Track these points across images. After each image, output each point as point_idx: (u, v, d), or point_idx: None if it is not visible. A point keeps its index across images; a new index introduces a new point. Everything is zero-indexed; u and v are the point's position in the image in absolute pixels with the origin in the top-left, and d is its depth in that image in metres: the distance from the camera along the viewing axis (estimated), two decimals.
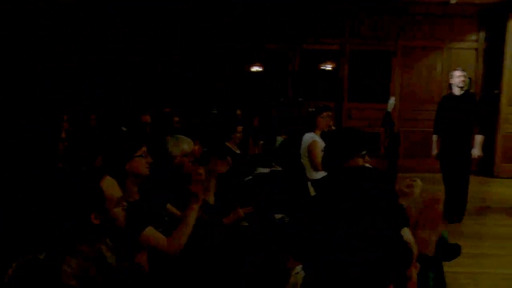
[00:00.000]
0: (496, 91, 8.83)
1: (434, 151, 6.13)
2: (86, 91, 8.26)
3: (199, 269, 2.70)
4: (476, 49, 9.19)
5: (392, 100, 7.63)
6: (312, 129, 5.25)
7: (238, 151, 5.42)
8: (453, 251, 3.72)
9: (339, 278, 2.05)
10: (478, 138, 5.82)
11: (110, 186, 2.02)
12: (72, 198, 1.81)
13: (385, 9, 8.80)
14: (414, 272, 1.94)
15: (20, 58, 7.71)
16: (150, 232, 2.48)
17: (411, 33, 9.07)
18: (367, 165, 4.03)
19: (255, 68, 9.10)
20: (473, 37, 9.17)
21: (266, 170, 5.43)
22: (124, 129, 5.82)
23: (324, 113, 5.33)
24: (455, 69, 6.02)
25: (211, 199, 3.35)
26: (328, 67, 9.19)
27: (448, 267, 4.10)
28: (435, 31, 9.10)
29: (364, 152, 3.07)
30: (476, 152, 5.82)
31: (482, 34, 9.15)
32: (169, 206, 3.09)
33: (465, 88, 5.95)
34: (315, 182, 5.08)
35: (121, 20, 8.49)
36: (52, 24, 8.01)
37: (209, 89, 8.97)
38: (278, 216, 3.80)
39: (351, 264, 2.05)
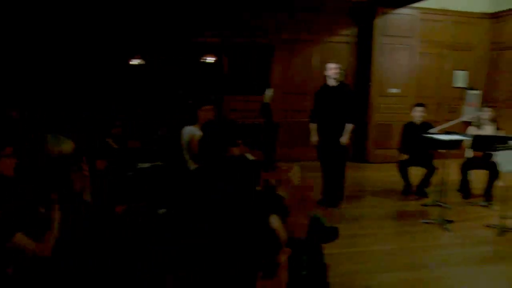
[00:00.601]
0: (369, 83, 9.46)
1: (313, 139, 6.40)
2: None
3: (74, 265, 2.65)
4: (349, 43, 9.75)
5: (269, 92, 7.84)
6: (193, 122, 5.20)
7: (116, 146, 5.25)
8: (331, 234, 3.95)
9: (208, 268, 2.07)
10: (347, 127, 6.17)
11: None
12: None
13: (266, 3, 8.98)
14: (283, 258, 2.02)
15: None
16: (19, 238, 2.48)
17: (290, 27, 9.36)
18: (249, 155, 4.14)
19: (136, 61, 8.85)
20: (347, 32, 9.72)
21: (147, 165, 5.32)
22: None
23: (205, 107, 5.28)
24: (330, 62, 6.34)
25: (87, 196, 3.24)
26: (210, 60, 9.20)
27: (329, 249, 4.36)
28: (313, 26, 9.48)
29: (239, 142, 3.15)
30: (343, 139, 6.17)
31: (354, 30, 9.73)
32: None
33: (339, 79, 6.27)
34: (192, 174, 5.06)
35: None
36: None
37: (89, 82, 8.52)
38: (161, 211, 3.75)
39: (219, 253, 2.08)
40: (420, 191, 6.97)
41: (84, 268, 2.65)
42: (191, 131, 5.06)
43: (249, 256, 1.94)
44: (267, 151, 7.19)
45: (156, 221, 3.56)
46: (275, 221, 2.61)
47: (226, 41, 9.13)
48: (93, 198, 3.31)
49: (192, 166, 5.06)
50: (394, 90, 9.55)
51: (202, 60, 9.19)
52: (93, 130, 5.28)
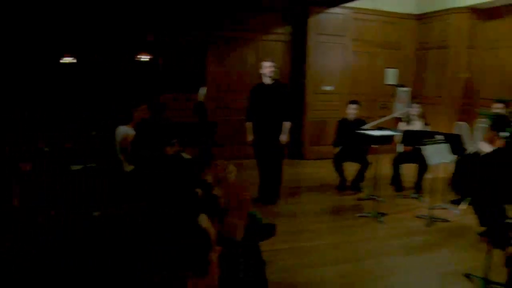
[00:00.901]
0: (303, 81, 9.60)
1: (249, 138, 6.42)
2: None
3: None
4: (284, 42, 9.85)
5: (202, 90, 7.78)
6: (127, 122, 5.07)
7: (47, 149, 5.04)
8: (268, 231, 3.98)
9: (138, 268, 2.05)
10: (286, 125, 6.23)
11: None
12: None
13: (201, 1, 8.90)
14: (214, 256, 2.03)
15: None
16: None
17: (225, 25, 9.31)
18: (185, 154, 4.10)
19: (67, 60, 8.50)
20: (281, 31, 9.82)
21: (79, 167, 5.14)
22: None
23: (140, 106, 5.17)
24: (265, 60, 6.37)
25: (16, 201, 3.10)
26: (145, 58, 9.00)
27: (268, 246, 4.40)
28: (248, 24, 9.49)
29: (175, 141, 3.11)
30: (282, 138, 6.23)
31: (288, 28, 9.84)
32: None
33: (274, 77, 6.31)
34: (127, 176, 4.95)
35: None
36: None
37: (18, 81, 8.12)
38: (96, 213, 3.63)
39: (150, 253, 2.06)
40: (355, 186, 7.16)
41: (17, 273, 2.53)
42: (125, 131, 4.94)
43: (180, 255, 1.92)
44: (203, 150, 7.13)
45: (90, 224, 3.45)
46: (204, 220, 2.61)
47: (161, 39, 8.96)
48: (22, 202, 3.16)
49: (127, 166, 4.94)
50: (328, 88, 9.76)
51: (137, 59, 8.98)
52: (20, 132, 5.03)
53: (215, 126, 8.57)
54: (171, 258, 1.89)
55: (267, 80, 6.26)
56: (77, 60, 8.47)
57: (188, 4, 8.85)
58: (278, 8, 9.56)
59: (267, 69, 6.20)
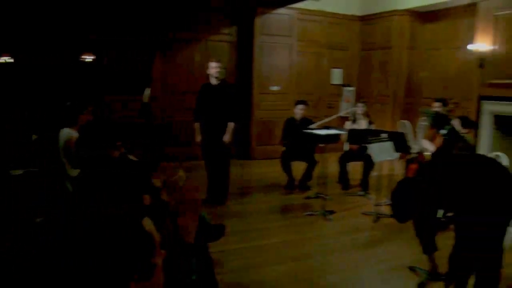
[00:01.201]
0: (250, 81, 9.61)
1: (197, 138, 6.36)
2: None
3: None
4: (231, 42, 9.83)
5: (147, 91, 7.65)
6: (71, 125, 4.89)
7: None
8: (217, 232, 3.94)
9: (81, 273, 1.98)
10: (229, 125, 6.20)
11: None
12: None
13: (147, 1, 8.72)
14: (159, 260, 1.99)
15: None
16: None
17: (172, 26, 9.15)
18: (132, 157, 4.00)
19: (3, 59, 8.15)
20: (228, 31, 9.79)
21: (20, 172, 4.94)
22: None
23: (87, 109, 5.00)
24: (211, 61, 6.32)
25: None
26: (89, 58, 8.74)
27: (218, 247, 4.36)
28: (195, 25, 9.38)
29: (119, 144, 3.03)
30: (225, 138, 6.19)
31: (235, 29, 9.82)
32: None
33: (221, 78, 6.27)
34: (73, 180, 4.78)
35: None
36: None
37: None
38: (38, 219, 3.49)
39: (93, 258, 2.00)
40: (302, 184, 7.22)
41: None
42: (69, 134, 4.76)
43: (123, 259, 1.87)
44: (150, 152, 7.01)
45: (33, 230, 3.31)
46: (148, 223, 2.55)
47: (105, 39, 8.71)
48: None
49: (70, 170, 4.77)
50: (275, 88, 9.81)
51: (81, 59, 8.70)
52: None
53: (169, 128, 8.47)
54: (114, 262, 1.84)
55: (213, 81, 6.22)
56: (15, 60, 8.12)
57: (135, 3, 8.65)
58: (225, 9, 9.52)
59: (213, 69, 6.17)
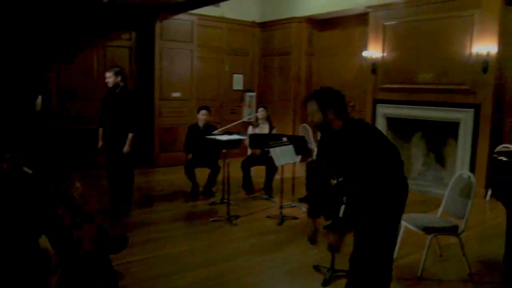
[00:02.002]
0: (151, 88, 9.42)
1: (99, 144, 6.15)
2: None
3: None
4: (130, 48, 9.59)
5: (39, 99, 7.26)
6: None
7: None
8: (120, 243, 3.82)
9: None
10: (129, 136, 6.00)
11: None
12: None
13: (41, 5, 8.21)
14: (53, 280, 1.91)
15: None
16: None
17: (70, 29, 8.70)
18: (26, 169, 3.76)
19: None
20: (127, 36, 9.54)
21: None
22: None
23: None
24: (109, 67, 6.17)
25: None
26: None
27: (120, 259, 4.22)
28: (94, 29, 9.02)
29: (7, 157, 2.89)
30: (125, 149, 5.98)
31: (134, 34, 9.59)
32: None
33: (119, 84, 6.02)
34: None
35: None
36: None
37: None
38: None
39: None
40: (207, 191, 7.21)
41: None
42: None
43: (18, 277, 1.76)
44: (46, 163, 6.66)
45: None
46: (44, 241, 2.43)
47: None
48: None
49: None
50: (176, 94, 9.70)
51: None
52: None
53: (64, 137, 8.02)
54: (9, 280, 1.73)
55: (112, 88, 6.05)
56: None
57: (29, 4, 8.11)
58: (125, 14, 9.24)
59: (109, 78, 6.00)
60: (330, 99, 3.13)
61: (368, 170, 2.89)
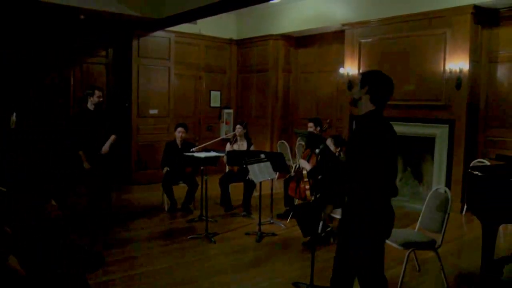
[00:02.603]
0: (127, 105, 9.36)
1: (85, 165, 6.12)
2: None
3: None
4: (106, 64, 9.52)
5: (13, 117, 7.13)
6: None
7: None
8: (96, 261, 3.74)
9: None
10: (111, 137, 6.23)
11: None
12: None
13: (16, 20, 8.12)
14: None
15: None
16: None
17: (46, 45, 8.58)
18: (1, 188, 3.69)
19: None
20: (103, 53, 9.48)
21: None
22: None
23: None
24: (97, 89, 6.25)
25: None
26: None
27: (97, 278, 4.15)
28: (70, 45, 8.92)
29: None
30: (103, 148, 6.16)
31: (111, 51, 9.55)
32: None
33: (94, 102, 6.17)
34: None
35: None
36: None
37: None
38: None
39: None
40: (185, 207, 7.16)
41: None
42: None
43: None
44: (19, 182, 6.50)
45: None
46: (13, 260, 2.39)
47: None
48: None
49: None
50: (154, 111, 9.64)
51: None
52: None
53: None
54: None
55: (90, 106, 6.20)
56: None
57: (5, 19, 8.00)
58: (101, 31, 9.20)
59: (100, 98, 6.18)
60: (370, 79, 3.11)
61: (360, 167, 2.95)
